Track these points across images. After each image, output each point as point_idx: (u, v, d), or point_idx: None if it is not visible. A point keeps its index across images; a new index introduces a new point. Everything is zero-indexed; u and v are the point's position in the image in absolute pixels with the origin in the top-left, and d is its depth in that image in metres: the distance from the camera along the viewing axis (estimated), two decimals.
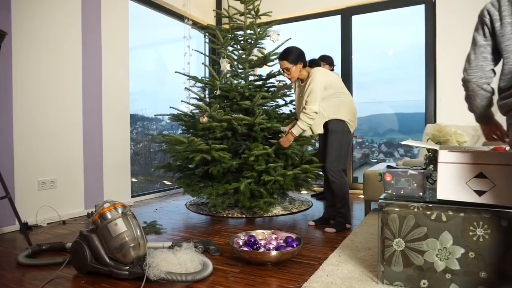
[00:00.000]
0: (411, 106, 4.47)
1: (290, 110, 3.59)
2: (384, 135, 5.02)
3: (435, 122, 3.89)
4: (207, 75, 4.60)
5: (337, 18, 4.42)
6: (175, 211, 3.44)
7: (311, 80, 2.57)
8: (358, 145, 4.98)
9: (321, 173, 3.07)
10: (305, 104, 2.57)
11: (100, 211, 1.80)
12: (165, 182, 4.69)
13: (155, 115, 3.95)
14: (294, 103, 3.57)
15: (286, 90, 3.48)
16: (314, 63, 2.74)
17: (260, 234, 2.24)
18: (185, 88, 3.75)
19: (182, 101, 3.76)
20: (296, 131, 2.63)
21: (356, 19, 4.35)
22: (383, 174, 1.71)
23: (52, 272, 1.87)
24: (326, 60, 3.70)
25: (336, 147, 2.62)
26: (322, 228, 2.73)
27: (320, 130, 2.66)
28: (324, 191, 2.88)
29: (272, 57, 3.51)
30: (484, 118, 1.56)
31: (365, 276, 1.74)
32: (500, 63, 1.49)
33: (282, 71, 2.72)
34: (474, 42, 1.49)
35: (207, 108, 3.10)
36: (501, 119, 1.53)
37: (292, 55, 2.60)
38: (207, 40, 4.34)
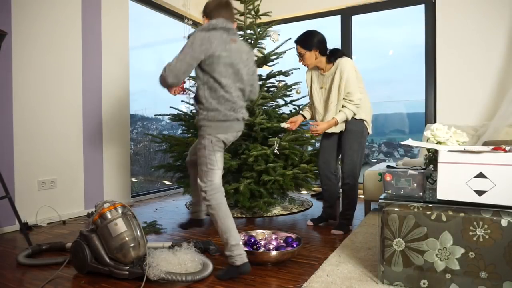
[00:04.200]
0: (411, 106, 4.47)
1: (290, 110, 3.58)
2: (384, 135, 5.02)
3: (435, 122, 3.89)
4: None
5: (337, 18, 4.42)
6: (175, 211, 3.44)
7: (343, 69, 2.46)
8: None
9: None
10: (348, 96, 2.46)
11: (100, 211, 1.80)
12: (165, 182, 4.69)
13: (155, 115, 3.95)
14: (295, 96, 3.51)
15: (286, 90, 3.48)
16: (336, 53, 2.55)
17: (260, 234, 2.24)
18: (185, 88, 3.75)
19: (182, 101, 3.77)
20: (340, 117, 2.47)
21: (356, 19, 4.35)
22: (383, 174, 1.71)
23: (52, 272, 1.87)
24: None
25: (355, 149, 2.53)
26: (322, 228, 2.73)
27: (343, 126, 2.56)
28: (323, 191, 2.79)
29: (272, 57, 3.51)
30: None
31: (365, 276, 1.74)
32: None
33: (297, 56, 2.59)
34: None
35: None
36: None
37: (308, 40, 2.49)
38: None
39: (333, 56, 2.55)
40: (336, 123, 2.51)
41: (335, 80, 2.51)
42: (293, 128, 2.69)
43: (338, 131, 2.58)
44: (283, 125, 2.66)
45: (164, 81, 1.79)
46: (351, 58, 4.35)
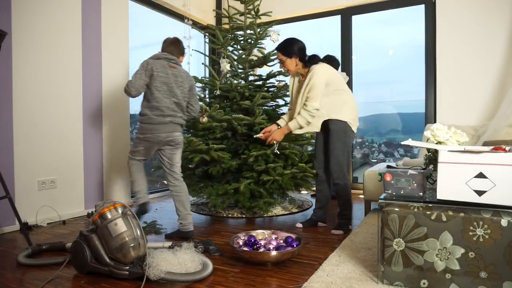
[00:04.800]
0: (411, 106, 4.47)
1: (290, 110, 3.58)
2: (384, 135, 5.03)
3: (435, 122, 3.89)
4: (207, 75, 4.60)
5: (337, 18, 4.42)
6: (175, 211, 3.43)
7: (312, 75, 2.49)
8: (358, 145, 4.98)
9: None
10: (306, 101, 2.50)
11: (100, 211, 1.80)
12: (165, 182, 4.68)
13: None
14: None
15: (286, 90, 3.48)
16: (313, 59, 2.59)
17: (260, 234, 2.24)
18: None
19: None
20: (293, 125, 2.53)
21: (356, 19, 4.35)
22: (383, 174, 1.71)
23: (52, 272, 1.87)
24: (331, 63, 3.71)
25: (340, 148, 2.54)
26: (322, 228, 2.73)
27: (317, 128, 2.59)
28: (316, 191, 2.79)
29: (272, 57, 3.51)
30: None
31: (365, 276, 1.74)
32: None
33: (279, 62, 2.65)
34: None
35: (207, 108, 3.10)
36: None
37: (288, 47, 2.54)
38: (207, 40, 4.34)
39: (309, 62, 2.59)
40: (289, 131, 2.58)
41: (305, 86, 2.55)
42: (267, 137, 2.73)
43: (315, 131, 2.63)
44: (258, 136, 2.73)
45: (129, 94, 2.41)
46: (351, 59, 4.36)
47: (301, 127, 2.56)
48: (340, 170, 2.56)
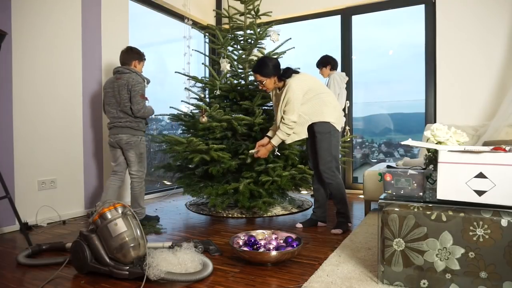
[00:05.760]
0: (411, 106, 4.47)
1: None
2: (384, 135, 5.02)
3: (435, 122, 3.89)
4: (207, 75, 4.60)
5: (337, 18, 4.42)
6: (175, 211, 3.44)
7: (287, 89, 2.54)
8: (358, 145, 4.98)
9: None
10: (283, 114, 2.55)
11: (100, 211, 1.80)
12: (165, 182, 4.69)
13: (155, 115, 3.94)
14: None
15: None
16: (287, 72, 2.62)
17: (260, 234, 2.24)
18: (185, 88, 3.75)
19: (182, 101, 3.76)
20: (275, 141, 2.61)
21: (356, 19, 4.35)
22: (383, 174, 1.71)
23: (52, 272, 1.87)
24: (330, 62, 3.71)
25: (326, 148, 2.59)
26: (322, 228, 2.73)
27: (304, 134, 2.64)
28: (313, 191, 2.82)
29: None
30: None
31: (365, 276, 1.74)
32: None
33: (256, 83, 2.66)
34: None
35: (207, 108, 3.10)
36: None
37: (265, 68, 2.57)
38: (207, 40, 4.34)
39: (283, 75, 2.62)
40: (273, 147, 2.65)
41: (282, 99, 2.60)
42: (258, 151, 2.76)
43: (292, 141, 2.66)
44: (252, 151, 2.75)
45: None
46: (351, 59, 4.36)
47: (283, 140, 2.62)
48: (329, 170, 2.60)
